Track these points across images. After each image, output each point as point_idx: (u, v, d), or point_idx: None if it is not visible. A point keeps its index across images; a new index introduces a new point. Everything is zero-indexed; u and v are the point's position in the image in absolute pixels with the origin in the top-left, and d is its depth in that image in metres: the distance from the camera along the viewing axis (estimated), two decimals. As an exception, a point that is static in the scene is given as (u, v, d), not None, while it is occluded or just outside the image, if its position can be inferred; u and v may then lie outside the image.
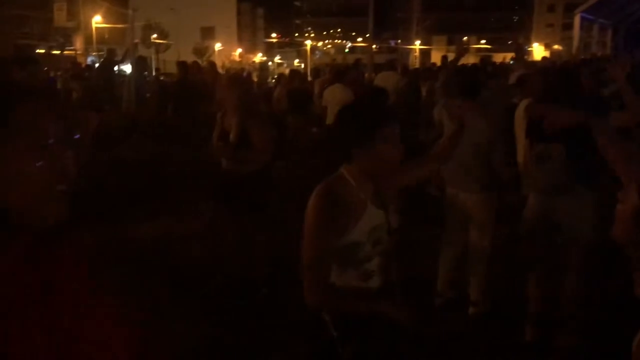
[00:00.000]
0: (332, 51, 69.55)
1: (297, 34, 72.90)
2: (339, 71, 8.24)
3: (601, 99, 4.29)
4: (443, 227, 4.07)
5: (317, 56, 65.61)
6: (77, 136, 2.11)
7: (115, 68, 11.79)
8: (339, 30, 73.38)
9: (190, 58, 17.92)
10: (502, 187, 3.92)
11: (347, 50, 67.84)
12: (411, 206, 4.75)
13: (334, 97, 6.82)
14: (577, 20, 19.06)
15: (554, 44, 54.29)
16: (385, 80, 8.55)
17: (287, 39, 73.89)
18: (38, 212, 0.95)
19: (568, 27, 31.16)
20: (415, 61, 46.50)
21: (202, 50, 50.99)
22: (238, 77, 5.93)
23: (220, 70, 16.01)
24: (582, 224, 3.30)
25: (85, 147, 2.88)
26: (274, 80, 17.81)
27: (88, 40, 43.81)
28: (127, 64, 11.91)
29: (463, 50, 6.50)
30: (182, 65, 9.80)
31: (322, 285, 1.90)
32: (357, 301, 1.97)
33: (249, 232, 4.05)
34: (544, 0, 61.79)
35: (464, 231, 3.92)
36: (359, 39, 64.21)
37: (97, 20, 42.73)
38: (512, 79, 7.44)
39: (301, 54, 64.67)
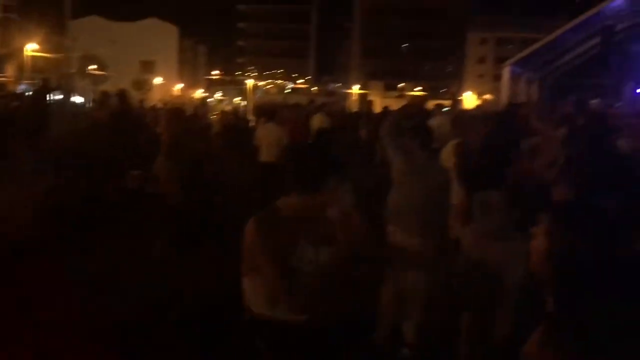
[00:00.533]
0: (274, 90, 70.28)
1: (239, 72, 73.28)
2: (272, 110, 8.26)
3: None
4: (385, 267, 4.09)
5: (258, 95, 66.02)
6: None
7: (49, 97, 11.41)
8: (280, 70, 74.45)
9: (128, 91, 17.57)
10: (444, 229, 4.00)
11: (288, 90, 68.73)
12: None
13: (267, 136, 6.85)
14: (506, 73, 20.18)
15: (485, 94, 57.03)
16: (316, 122, 8.73)
17: (229, 77, 74.10)
18: None
19: (498, 78, 32.88)
20: (354, 105, 47.55)
21: (141, 84, 50.23)
22: (177, 112, 5.87)
23: (159, 105, 15.73)
24: (516, 269, 3.42)
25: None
26: (214, 117, 17.76)
27: (21, 68, 42.24)
28: (61, 94, 11.57)
29: (418, 102, 6.64)
30: (120, 95, 9.55)
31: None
32: None
33: (188, 266, 3.94)
34: (475, 52, 65.15)
35: (404, 272, 3.97)
36: (300, 81, 65.31)
37: (31, 48, 41.35)
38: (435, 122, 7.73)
39: (243, 92, 64.89)
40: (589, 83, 22.26)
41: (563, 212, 1.67)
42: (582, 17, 18.59)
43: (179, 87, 59.21)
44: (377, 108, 15.48)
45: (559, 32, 19.47)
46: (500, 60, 28.92)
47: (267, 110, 8.15)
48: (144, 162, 5.02)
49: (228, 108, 12.75)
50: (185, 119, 6.83)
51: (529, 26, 56.53)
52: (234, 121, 9.06)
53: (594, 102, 17.97)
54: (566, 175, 3.60)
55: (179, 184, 4.47)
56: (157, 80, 55.07)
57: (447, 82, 62.35)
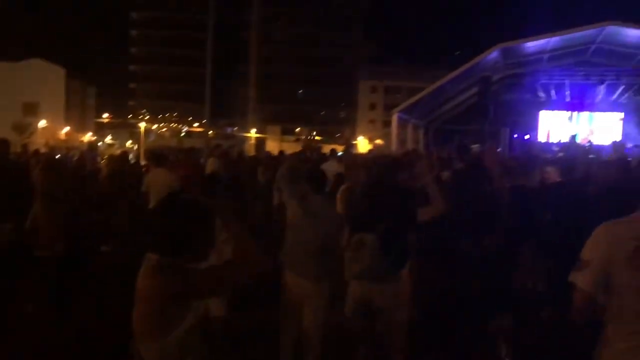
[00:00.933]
0: (168, 134, 68.76)
1: (130, 115, 71.07)
2: (161, 155, 7.97)
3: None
4: (279, 313, 4.04)
5: (152, 139, 64.28)
6: None
7: None
8: (175, 114, 73.12)
9: (9, 135, 16.46)
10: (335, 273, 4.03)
11: (183, 134, 67.57)
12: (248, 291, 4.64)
13: (156, 181, 6.59)
14: (394, 119, 21.19)
15: (377, 139, 59.59)
16: (210, 166, 8.62)
17: (119, 120, 71.60)
18: None
19: (388, 124, 34.53)
20: (250, 149, 47.69)
21: (24, 127, 47.14)
22: (52, 160, 5.55)
23: (43, 149, 14.79)
24: (397, 307, 3.57)
25: None
26: (103, 161, 17.00)
27: None
28: None
29: (310, 147, 6.75)
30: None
31: None
32: None
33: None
34: (366, 99, 68.20)
35: (300, 316, 3.93)
36: (196, 124, 64.54)
37: None
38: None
39: (134, 136, 62.87)
40: (470, 129, 23.93)
41: (427, 256, 1.73)
42: (462, 69, 20.08)
43: (65, 130, 56.27)
44: (275, 152, 15.64)
45: (441, 82, 20.86)
46: (389, 107, 30.46)
47: (157, 155, 7.84)
48: (20, 212, 4.65)
49: (118, 152, 12.22)
50: (63, 166, 6.46)
51: (415, 76, 60.37)
52: (122, 166, 8.65)
53: (475, 146, 19.38)
54: (444, 217, 3.81)
55: (59, 234, 4.17)
56: (42, 124, 51.92)
57: (341, 127, 64.52)
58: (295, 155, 5.98)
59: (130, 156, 15.63)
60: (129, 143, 59.48)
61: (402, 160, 5.34)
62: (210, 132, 27.00)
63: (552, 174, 5.46)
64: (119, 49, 74.12)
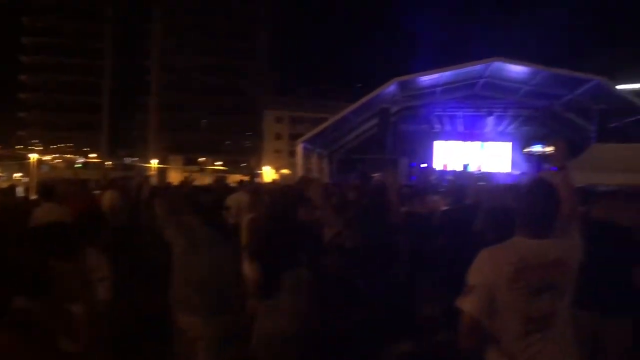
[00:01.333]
0: (62, 165, 64.99)
1: (20, 146, 66.51)
2: (52, 188, 7.48)
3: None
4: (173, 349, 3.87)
5: (44, 170, 60.43)
6: None
7: None
8: (70, 144, 69.38)
9: None
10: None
11: (78, 165, 64.16)
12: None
13: (45, 216, 6.15)
14: (299, 149, 21.46)
15: (282, 168, 59.92)
16: (107, 199, 8.22)
17: (8, 151, 66.77)
18: None
19: (293, 154, 34.86)
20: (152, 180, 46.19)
21: None
22: None
23: None
24: None
25: None
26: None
27: None
28: None
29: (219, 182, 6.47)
30: None
31: None
32: None
33: None
34: (272, 128, 68.60)
35: (192, 353, 3.78)
36: (92, 155, 61.57)
37: None
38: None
39: (24, 167, 58.82)
40: (371, 158, 24.73)
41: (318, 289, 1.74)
42: (362, 100, 20.77)
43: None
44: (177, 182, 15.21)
45: (343, 113, 21.45)
46: (295, 137, 30.85)
47: (47, 187, 7.34)
48: None
49: (4, 185, 11.37)
50: None
51: (319, 107, 61.69)
52: (8, 200, 8.02)
53: (376, 175, 20.01)
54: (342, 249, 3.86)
55: None
56: None
57: (247, 156, 64.23)
58: (177, 187, 5.82)
59: (19, 189, 14.57)
60: (17, 175, 55.54)
61: (303, 191, 5.38)
62: (108, 162, 25.84)
63: (440, 202, 5.72)
64: (8, 76, 69.57)
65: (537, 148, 27.16)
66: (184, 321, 3.73)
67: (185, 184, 6.00)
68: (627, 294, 3.80)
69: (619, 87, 20.24)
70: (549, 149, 23.92)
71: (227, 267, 3.74)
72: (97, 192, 12.29)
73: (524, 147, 25.03)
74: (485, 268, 2.28)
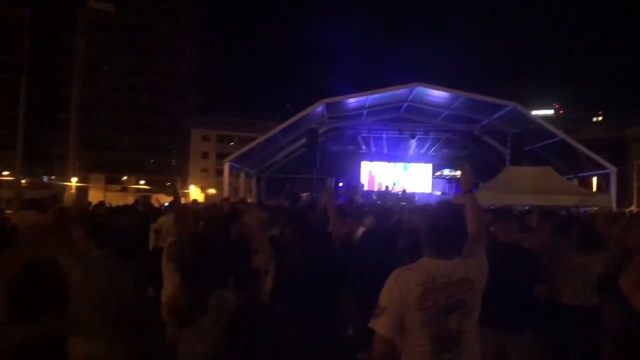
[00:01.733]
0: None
1: None
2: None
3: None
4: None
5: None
6: None
7: None
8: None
9: None
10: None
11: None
12: None
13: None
14: (226, 168, 21.23)
15: (209, 188, 58.94)
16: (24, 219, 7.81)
17: None
18: None
19: (220, 173, 34.47)
20: (71, 198, 44.15)
21: None
22: None
23: None
24: None
25: None
26: None
27: None
28: None
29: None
30: None
31: None
32: None
33: None
34: (198, 147, 67.48)
35: None
36: (5, 173, 58.04)
37: None
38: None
39: None
40: (299, 178, 24.91)
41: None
42: (291, 120, 20.93)
43: None
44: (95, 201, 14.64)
45: (271, 132, 21.50)
46: (222, 156, 30.53)
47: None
48: None
49: None
50: None
51: (247, 126, 61.46)
52: None
53: (304, 194, 20.14)
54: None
55: None
56: None
57: (172, 176, 62.72)
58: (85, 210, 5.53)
59: None
60: None
61: (233, 212, 5.36)
62: (24, 180, 24.54)
63: (355, 223, 5.84)
64: None
65: (446, 172, 28.64)
66: (80, 347, 3.55)
67: (98, 207, 5.81)
68: (528, 310, 4.06)
69: (534, 112, 21.50)
70: (457, 173, 25.13)
71: (128, 291, 3.62)
72: (9, 212, 11.67)
73: (436, 171, 26.14)
74: (395, 289, 2.37)
